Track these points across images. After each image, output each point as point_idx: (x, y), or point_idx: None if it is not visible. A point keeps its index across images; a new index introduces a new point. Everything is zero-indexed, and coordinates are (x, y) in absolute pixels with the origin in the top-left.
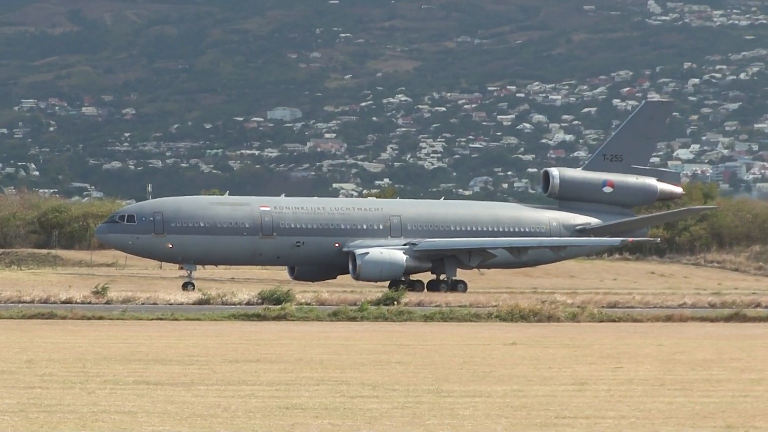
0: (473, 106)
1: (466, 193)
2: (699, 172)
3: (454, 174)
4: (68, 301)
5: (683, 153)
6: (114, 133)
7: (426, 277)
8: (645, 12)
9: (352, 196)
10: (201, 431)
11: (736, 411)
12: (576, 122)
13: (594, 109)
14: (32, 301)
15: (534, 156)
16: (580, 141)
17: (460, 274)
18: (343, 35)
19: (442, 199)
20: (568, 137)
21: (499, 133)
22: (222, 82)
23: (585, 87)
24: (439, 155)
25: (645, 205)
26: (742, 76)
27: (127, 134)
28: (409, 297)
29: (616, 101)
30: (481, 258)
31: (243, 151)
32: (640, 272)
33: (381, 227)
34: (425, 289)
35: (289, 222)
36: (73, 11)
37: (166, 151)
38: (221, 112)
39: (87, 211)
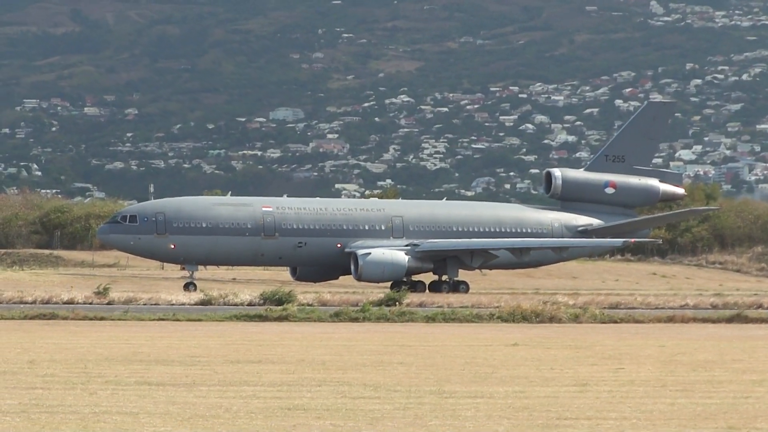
0: (475, 106)
1: (469, 193)
2: (701, 173)
3: (457, 175)
4: (70, 302)
5: (685, 154)
6: (116, 133)
7: (428, 277)
8: (647, 13)
9: (354, 196)
10: None
11: (737, 412)
12: (578, 123)
13: (596, 109)
14: (34, 302)
15: (536, 157)
16: (583, 142)
17: (462, 274)
18: (345, 35)
19: (444, 200)
20: (571, 138)
21: (501, 134)
22: (224, 82)
23: (587, 88)
24: (442, 156)
25: (647, 206)
26: (745, 77)
27: (129, 134)
28: (411, 298)
29: (618, 102)
30: (483, 259)
31: (245, 152)
32: (642, 273)
33: (383, 228)
34: (427, 290)
35: (291, 223)
36: (75, 11)
37: (169, 151)
38: (223, 112)
39: (89, 211)
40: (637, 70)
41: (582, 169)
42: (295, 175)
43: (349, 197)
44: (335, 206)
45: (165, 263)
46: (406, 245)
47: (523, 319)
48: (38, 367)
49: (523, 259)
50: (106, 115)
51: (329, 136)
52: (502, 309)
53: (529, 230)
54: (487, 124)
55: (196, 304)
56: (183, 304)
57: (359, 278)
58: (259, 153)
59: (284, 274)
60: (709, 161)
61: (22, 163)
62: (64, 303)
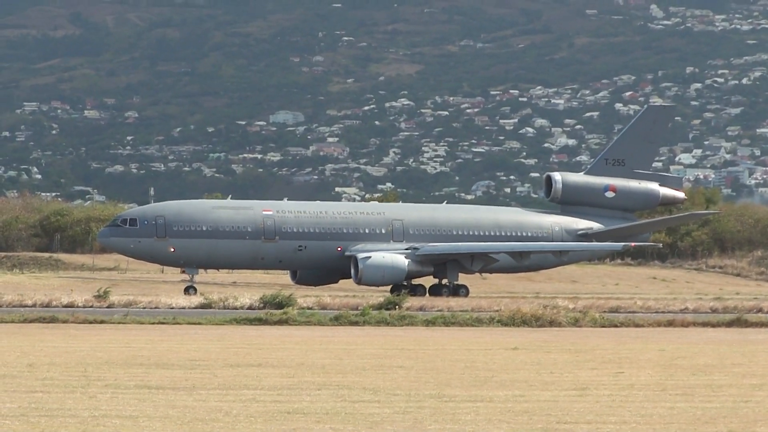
0: (476, 110)
1: (469, 197)
2: (701, 176)
3: (457, 178)
4: (70, 305)
5: (685, 158)
6: (116, 136)
7: (428, 281)
8: (647, 16)
9: (354, 200)
10: None
11: (737, 416)
12: (578, 126)
13: (596, 113)
14: (34, 305)
15: (536, 160)
16: (583, 145)
17: (462, 278)
18: (345, 39)
19: (444, 204)
20: (571, 141)
21: (501, 138)
22: (224, 85)
23: (587, 91)
24: (442, 159)
25: (647, 209)
26: (745, 80)
27: (129, 137)
28: (411, 301)
29: (618, 105)
30: (484, 262)
31: (245, 155)
32: (642, 277)
33: (383, 231)
34: (427, 294)
35: (292, 226)
36: (75, 14)
37: (169, 154)
38: (224, 115)
39: (89, 214)
40: (637, 73)
41: (582, 173)
42: (295, 179)
43: (349, 201)
44: (335, 210)
45: (165, 266)
46: (406, 249)
47: (523, 323)
48: (38, 371)
49: (523, 262)
50: (106, 118)
51: (329, 139)
52: (502, 313)
53: (529, 234)
54: (487, 127)
55: (196, 308)
56: (183, 308)
57: (359, 282)
58: (260, 156)
59: (284, 277)
60: (709, 165)
61: (22, 167)
62: (64, 306)
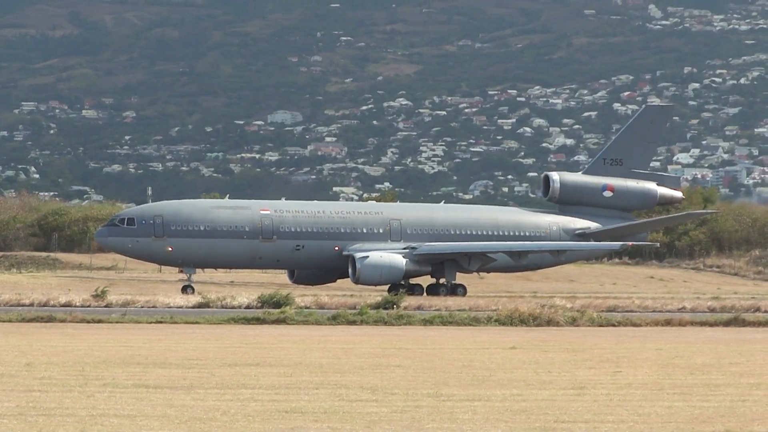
0: (474, 110)
1: (467, 197)
2: (699, 176)
3: (455, 178)
4: (67, 305)
5: (683, 157)
6: (114, 136)
7: (426, 281)
8: (645, 16)
9: (352, 199)
10: None
11: (735, 415)
12: (576, 126)
13: (594, 113)
14: (31, 304)
15: (534, 160)
16: (581, 145)
17: (460, 278)
18: (344, 39)
19: (442, 203)
20: (569, 141)
21: (499, 137)
22: (223, 85)
23: (585, 91)
24: (440, 159)
25: (645, 209)
26: (743, 80)
27: (127, 137)
28: (409, 301)
29: (616, 105)
30: (481, 262)
31: (243, 155)
32: (640, 276)
33: (381, 231)
34: (425, 293)
35: (289, 225)
36: (74, 13)
37: (167, 154)
38: (222, 115)
39: (87, 214)
40: (636, 73)
41: (580, 173)
42: (293, 178)
43: (347, 200)
44: (333, 209)
45: (163, 266)
46: (404, 248)
47: (520, 322)
48: (35, 370)
49: (520, 262)
50: (104, 117)
51: (327, 139)
52: (499, 312)
53: (527, 233)
54: (485, 127)
55: (193, 307)
56: (181, 307)
57: (357, 281)
58: (257, 156)
59: (282, 277)
60: (706, 165)
61: (20, 166)
62: (62, 305)
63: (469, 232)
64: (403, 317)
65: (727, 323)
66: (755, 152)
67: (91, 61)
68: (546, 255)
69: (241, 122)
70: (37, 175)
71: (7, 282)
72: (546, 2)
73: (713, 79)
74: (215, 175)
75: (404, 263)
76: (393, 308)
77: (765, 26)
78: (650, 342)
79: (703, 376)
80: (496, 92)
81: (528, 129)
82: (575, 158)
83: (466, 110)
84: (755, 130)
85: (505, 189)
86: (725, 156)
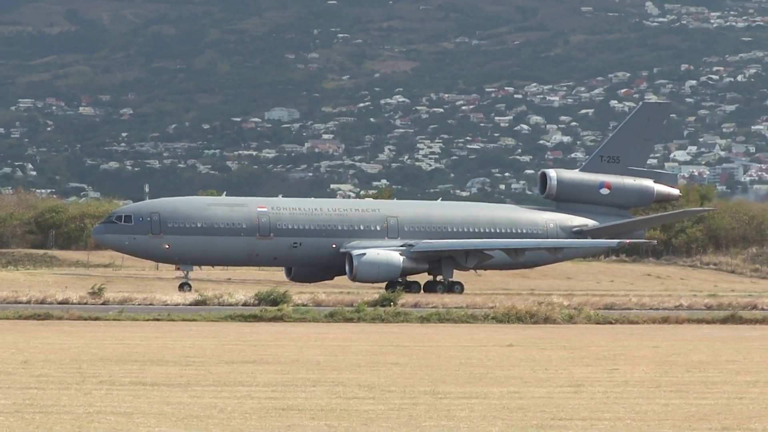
0: (471, 107)
1: (464, 194)
2: (696, 173)
3: (452, 175)
4: (64, 302)
5: (680, 155)
6: (111, 133)
7: (423, 278)
8: (642, 13)
9: (349, 197)
10: None
11: (731, 413)
12: (573, 123)
13: (591, 110)
14: (28, 302)
15: (531, 157)
16: (578, 142)
17: (457, 275)
18: (340, 36)
19: (439, 200)
20: (566, 138)
21: (496, 135)
22: (220, 82)
23: (582, 88)
24: (437, 156)
25: (642, 206)
26: (740, 77)
27: (124, 134)
28: (406, 298)
29: (613, 102)
30: (478, 259)
31: (240, 152)
32: (637, 274)
33: (378, 228)
34: (422, 291)
35: (286, 223)
36: (71, 11)
37: (164, 151)
38: (219, 112)
39: (84, 211)
40: (633, 70)
41: (577, 170)
42: (290, 176)
43: (344, 197)
44: (330, 206)
45: (160, 263)
46: (401, 246)
47: (517, 319)
48: (32, 367)
49: (517, 259)
50: (101, 114)
51: (324, 136)
52: (496, 309)
53: (524, 231)
54: (482, 124)
55: (190, 305)
56: (178, 305)
57: (354, 279)
58: (254, 153)
59: (279, 274)
60: (703, 162)
61: (17, 163)
62: (59, 303)
63: (466, 230)
64: (400, 315)
65: (724, 321)
66: (752, 149)
67: (88, 59)
68: (543, 252)
69: (238, 119)
70: (34, 173)
71: (4, 279)
72: None
73: (710, 76)
74: (212, 172)
75: (401, 260)
76: (390, 306)
77: (762, 23)
78: (647, 339)
79: (700, 374)
80: (493, 89)
81: (525, 126)
82: (572, 155)
83: (463, 107)
84: (752, 127)
85: (502, 186)
86: (722, 153)
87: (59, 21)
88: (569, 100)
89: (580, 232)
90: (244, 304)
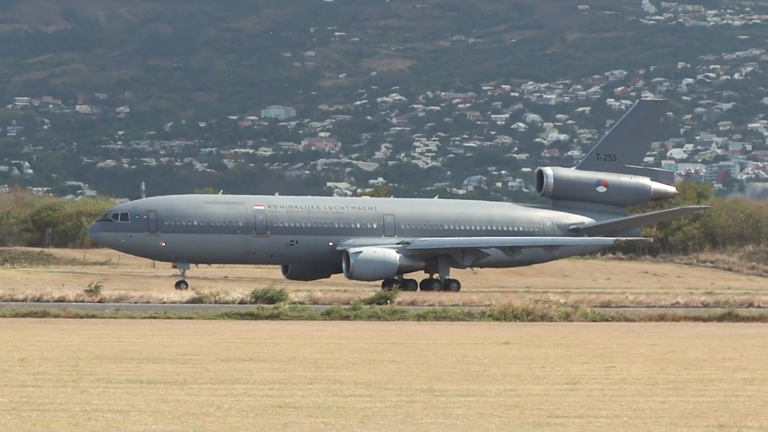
0: (467, 105)
1: (460, 192)
2: (692, 171)
3: (448, 173)
4: (61, 300)
5: (677, 152)
6: (108, 131)
7: (419, 276)
8: (639, 11)
9: (346, 195)
10: (194, 430)
11: (728, 410)
12: (570, 121)
13: (588, 108)
14: (25, 300)
15: (528, 155)
16: (574, 140)
17: (454, 273)
18: (337, 34)
19: (435, 198)
20: (562, 136)
21: (493, 133)
22: (216, 80)
23: (579, 86)
24: (433, 154)
25: (638, 204)
26: (736, 75)
27: (120, 132)
28: (403, 296)
29: (610, 101)
30: (475, 257)
31: (237, 150)
32: (634, 272)
33: (375, 226)
34: (418, 288)
35: (283, 221)
36: (67, 9)
37: (160, 149)
38: (215, 110)
39: (80, 209)
40: (629, 68)
41: (574, 168)
42: (286, 174)
43: (340, 195)
44: (327, 204)
45: (156, 261)
46: (398, 243)
47: (514, 317)
48: (29, 365)
49: (514, 257)
50: (98, 113)
51: (321, 134)
52: (493, 307)
53: (520, 228)
54: (479, 122)
55: (187, 302)
56: (174, 302)
57: (351, 276)
58: (251, 151)
59: (276, 272)
60: (700, 160)
61: (13, 161)
62: (56, 301)
63: (462, 228)
64: (396, 312)
65: (720, 318)
66: (749, 147)
67: (84, 57)
68: (539, 250)
69: (235, 117)
70: (30, 171)
71: (1, 277)
72: None
73: (707, 74)
74: (209, 170)
75: (398, 258)
76: (387, 303)
77: (759, 21)
78: (644, 337)
79: (697, 371)
80: (489, 87)
81: (521, 124)
82: (569, 153)
83: (460, 105)
84: (749, 125)
85: (499, 184)
86: (719, 151)
87: (56, 19)
88: (566, 98)
89: (577, 230)
90: (241, 302)
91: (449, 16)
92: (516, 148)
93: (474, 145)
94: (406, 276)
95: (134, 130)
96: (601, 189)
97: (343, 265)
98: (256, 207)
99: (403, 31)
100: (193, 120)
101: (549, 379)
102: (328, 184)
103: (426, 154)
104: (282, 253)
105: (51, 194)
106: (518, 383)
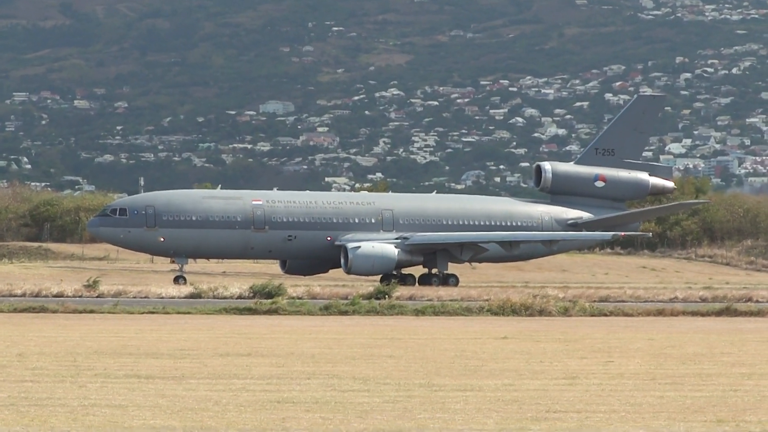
0: (466, 100)
1: (459, 187)
2: (691, 166)
3: (447, 168)
4: (59, 295)
5: (675, 147)
6: (106, 126)
7: (418, 271)
8: (637, 6)
9: (344, 190)
10: (192, 425)
11: (726, 405)
12: (568, 116)
13: (586, 103)
14: (23, 295)
15: (526, 150)
16: (573, 135)
17: (452, 268)
18: (335, 29)
19: (434, 193)
20: (561, 131)
21: (491, 127)
22: (214, 75)
23: (577, 81)
24: (432, 149)
25: (637, 199)
26: (734, 70)
27: (119, 127)
28: (401, 291)
29: (608, 95)
30: (473, 252)
31: (235, 145)
32: (632, 266)
33: (373, 221)
34: (417, 283)
35: (281, 216)
36: (65, 4)
37: (158, 144)
38: (213, 105)
39: (79, 204)
40: (627, 63)
41: (572, 163)
42: (285, 169)
43: (339, 190)
44: (325, 199)
45: (155, 256)
46: (396, 238)
47: (512, 312)
48: (27, 360)
49: (512, 252)
50: (96, 108)
51: (319, 129)
52: (491, 302)
53: (518, 223)
54: (477, 117)
55: (185, 298)
56: (173, 298)
57: (349, 271)
58: (249, 146)
59: (274, 267)
60: (698, 155)
61: (11, 156)
62: (54, 296)
63: (461, 222)
64: (395, 307)
65: (719, 313)
66: (747, 142)
67: (82, 52)
68: (538, 245)
69: (233, 112)
70: (28, 166)
71: None
72: None
73: (705, 69)
74: (207, 165)
75: (396, 253)
76: (385, 298)
77: (756, 16)
78: (642, 332)
79: (695, 366)
80: (487, 82)
81: (520, 119)
82: (567, 148)
83: (458, 100)
84: (747, 120)
85: (497, 179)
86: (717, 146)
87: (54, 14)
88: (564, 93)
89: (575, 225)
90: (239, 297)
91: (447, 10)
92: (514, 143)
93: (472, 139)
94: (405, 271)
95: (132, 125)
96: (600, 184)
97: (342, 260)
98: (254, 202)
99: (401, 25)
100: (191, 115)
101: (547, 373)
102: (327, 179)
103: (424, 148)
104: (280, 248)
105: (49, 189)
106: (516, 378)
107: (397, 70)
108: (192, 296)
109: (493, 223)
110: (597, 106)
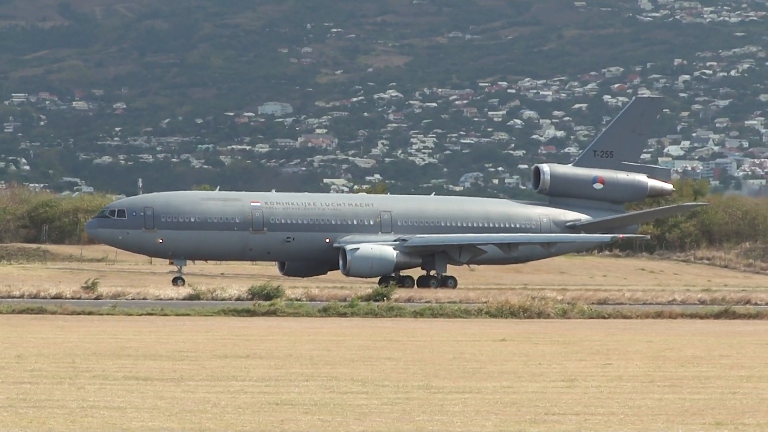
0: (464, 101)
1: (457, 188)
2: (689, 168)
3: (445, 170)
4: (58, 297)
5: (674, 149)
6: (104, 127)
7: (416, 272)
8: (636, 8)
9: (342, 191)
10: (190, 427)
11: (725, 408)
12: (567, 118)
13: (585, 105)
14: (22, 296)
15: (525, 152)
16: (571, 137)
17: (450, 269)
18: (334, 30)
19: (432, 195)
20: (559, 133)
21: (490, 129)
22: (213, 76)
23: (576, 83)
24: (430, 151)
25: (635, 201)
26: (733, 72)
27: (117, 129)
28: (399, 293)
29: (606, 97)
30: (472, 254)
31: (234, 147)
32: (630, 269)
33: (371, 223)
34: (415, 285)
35: (280, 217)
36: (64, 5)
37: (157, 145)
38: (212, 106)
39: (77, 205)
40: (626, 65)
41: (570, 165)
42: (283, 170)
43: (337, 192)
44: (324, 201)
45: (153, 258)
46: (395, 240)
47: (511, 314)
48: (26, 362)
49: (511, 254)
50: (95, 109)
51: (318, 130)
52: (490, 304)
53: (517, 225)
54: (475, 119)
55: (184, 299)
56: (171, 299)
57: (347, 273)
58: (248, 148)
59: (272, 268)
60: (697, 157)
61: (10, 157)
62: (52, 297)
63: (459, 224)
64: (393, 309)
65: (717, 315)
66: (745, 144)
67: (81, 53)
68: (536, 247)
69: (232, 114)
70: (27, 167)
71: None
72: None
73: (703, 71)
74: (205, 166)
75: (395, 255)
76: (383, 300)
77: (755, 18)
78: (641, 334)
79: (694, 369)
80: (486, 84)
81: (518, 121)
82: (565, 150)
83: (457, 102)
84: (745, 122)
85: (496, 181)
86: (715, 148)
87: (52, 15)
88: (562, 94)
89: (574, 227)
90: (238, 299)
91: (446, 12)
92: (513, 145)
93: (471, 141)
94: (403, 273)
95: (131, 126)
96: (598, 186)
97: (340, 262)
98: (252, 204)
99: (399, 27)
100: (190, 116)
101: (546, 376)
102: (325, 180)
103: (423, 150)
104: (279, 249)
105: (48, 190)
106: (515, 380)
107: (395, 72)
108: (190, 298)
109: (491, 225)
110: (595, 107)
